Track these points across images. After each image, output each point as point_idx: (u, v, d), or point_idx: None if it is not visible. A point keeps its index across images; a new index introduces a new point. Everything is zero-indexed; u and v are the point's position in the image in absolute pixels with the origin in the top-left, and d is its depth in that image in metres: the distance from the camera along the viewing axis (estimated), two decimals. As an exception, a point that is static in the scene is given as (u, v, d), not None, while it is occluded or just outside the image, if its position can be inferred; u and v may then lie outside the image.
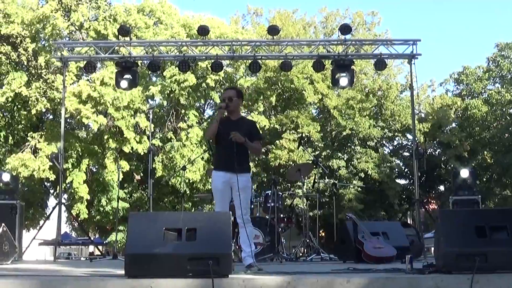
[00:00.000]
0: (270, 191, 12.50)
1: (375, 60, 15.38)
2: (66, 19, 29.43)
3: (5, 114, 30.95)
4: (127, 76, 14.93)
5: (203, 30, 15.26)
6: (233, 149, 7.38)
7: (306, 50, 16.89)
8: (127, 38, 15.55)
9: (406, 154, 37.51)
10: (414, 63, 14.68)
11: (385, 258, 9.46)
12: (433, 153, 39.09)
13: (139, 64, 16.21)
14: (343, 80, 14.93)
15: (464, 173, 13.66)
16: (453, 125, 38.08)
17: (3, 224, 9.78)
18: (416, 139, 16.86)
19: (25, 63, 29.19)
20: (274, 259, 11.53)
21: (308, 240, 13.25)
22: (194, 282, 5.08)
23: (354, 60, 15.75)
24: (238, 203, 7.52)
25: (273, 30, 15.46)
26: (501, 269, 5.40)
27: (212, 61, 15.76)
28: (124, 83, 15.09)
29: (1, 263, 9.26)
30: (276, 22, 34.50)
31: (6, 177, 13.44)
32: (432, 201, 40.91)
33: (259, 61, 15.76)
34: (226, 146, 7.49)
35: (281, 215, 12.65)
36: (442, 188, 39.73)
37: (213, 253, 5.36)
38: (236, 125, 7.64)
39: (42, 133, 30.05)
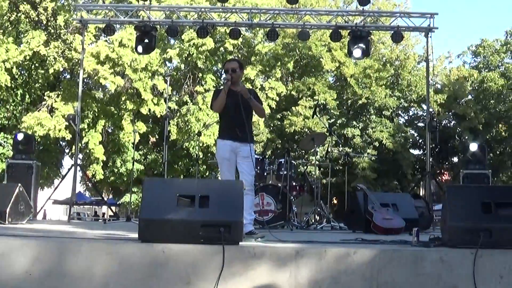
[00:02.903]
0: (283, 159, 12.65)
1: (392, 32, 15.42)
2: (86, -22, 29.45)
3: (22, 72, 30.99)
4: (146, 40, 15.02)
5: (223, -3, 15.31)
6: (238, 118, 7.47)
7: (324, 19, 16.86)
8: (147, 2, 15.65)
9: (421, 124, 37.47)
10: (430, 36, 14.71)
11: (393, 229, 9.53)
12: (448, 124, 39.08)
13: (158, 28, 16.23)
14: (359, 51, 15.00)
15: (473, 147, 13.67)
16: (469, 97, 37.92)
17: (19, 184, 9.85)
18: (431, 110, 16.89)
19: (44, 22, 29.23)
20: (285, 227, 11.72)
21: (319, 209, 13.42)
22: (205, 248, 5.20)
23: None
24: (242, 171, 7.66)
25: (292, -1, 15.50)
26: (505, 246, 5.45)
27: (231, 27, 15.83)
28: (142, 48, 15.18)
29: (16, 223, 9.39)
30: (296, -12, 34.34)
31: (21, 137, 13.53)
32: (445, 172, 40.99)
33: (277, 29, 15.79)
34: (231, 116, 7.58)
35: (294, 183, 12.81)
36: (455, 159, 39.77)
37: (225, 220, 5.45)
38: (238, 95, 7.72)
39: (59, 93, 30.22)
